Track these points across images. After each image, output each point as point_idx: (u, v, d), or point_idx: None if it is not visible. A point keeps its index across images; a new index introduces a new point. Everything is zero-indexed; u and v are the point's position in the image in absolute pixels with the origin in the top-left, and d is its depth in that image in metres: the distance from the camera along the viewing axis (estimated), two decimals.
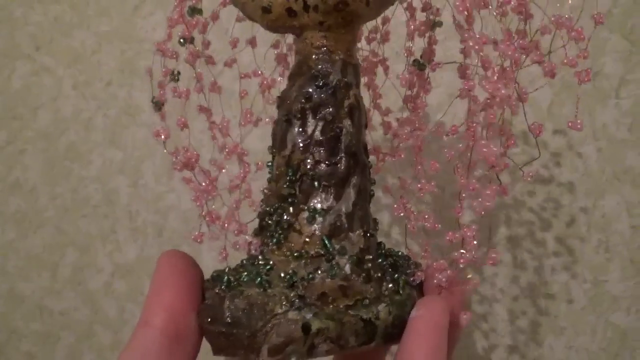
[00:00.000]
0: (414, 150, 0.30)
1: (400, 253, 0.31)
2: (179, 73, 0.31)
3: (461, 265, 0.26)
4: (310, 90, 0.27)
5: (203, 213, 0.32)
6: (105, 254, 0.66)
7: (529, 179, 0.31)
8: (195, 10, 0.32)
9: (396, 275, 0.27)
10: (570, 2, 0.51)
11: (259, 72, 0.36)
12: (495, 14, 0.29)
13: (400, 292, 0.27)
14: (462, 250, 0.26)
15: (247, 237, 0.30)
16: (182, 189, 0.63)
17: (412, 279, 0.28)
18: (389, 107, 0.36)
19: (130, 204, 0.65)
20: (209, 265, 0.55)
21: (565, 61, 0.32)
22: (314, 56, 0.28)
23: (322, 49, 0.28)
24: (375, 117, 0.39)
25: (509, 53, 0.28)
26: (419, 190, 0.29)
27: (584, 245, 0.55)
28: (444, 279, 0.27)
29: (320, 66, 0.28)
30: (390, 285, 0.27)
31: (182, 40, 0.31)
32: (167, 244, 0.64)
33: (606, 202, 0.54)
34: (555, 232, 0.55)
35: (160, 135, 0.33)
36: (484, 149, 0.27)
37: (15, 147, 0.67)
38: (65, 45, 0.64)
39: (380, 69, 0.38)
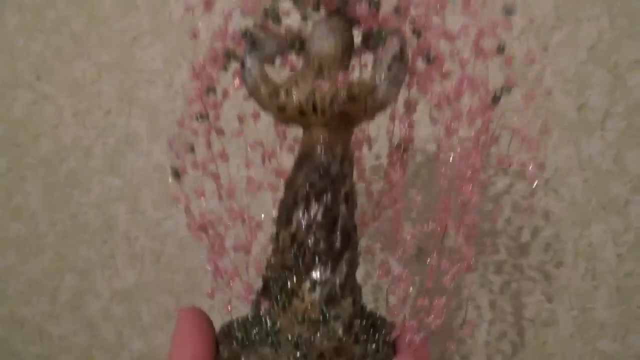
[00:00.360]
0: (393, 219, 0.34)
1: (377, 314, 0.35)
2: (193, 145, 0.36)
3: (432, 328, 0.31)
4: (314, 179, 0.32)
5: (213, 270, 0.36)
6: (103, 279, 0.67)
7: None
8: (211, 90, 0.36)
9: (377, 336, 0.32)
10: (556, 37, 0.53)
11: (262, 142, 0.39)
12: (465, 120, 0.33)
13: (380, 350, 0.31)
14: (432, 316, 0.31)
15: (253, 297, 0.34)
16: (179, 216, 0.64)
17: (387, 338, 0.32)
18: (372, 178, 0.39)
19: (128, 230, 0.66)
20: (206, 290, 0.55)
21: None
22: (317, 149, 0.32)
23: (325, 143, 0.32)
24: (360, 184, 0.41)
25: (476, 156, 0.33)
26: (398, 258, 0.33)
27: (571, 273, 0.56)
28: (417, 340, 0.31)
29: (322, 158, 0.32)
30: (373, 345, 0.31)
31: (199, 117, 0.36)
32: (165, 269, 0.65)
33: (592, 231, 0.55)
34: (542, 260, 0.56)
35: (180, 201, 0.36)
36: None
37: (16, 174, 0.68)
38: (65, 75, 0.66)
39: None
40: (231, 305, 0.36)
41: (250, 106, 0.38)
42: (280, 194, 0.35)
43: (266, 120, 0.38)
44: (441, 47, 0.33)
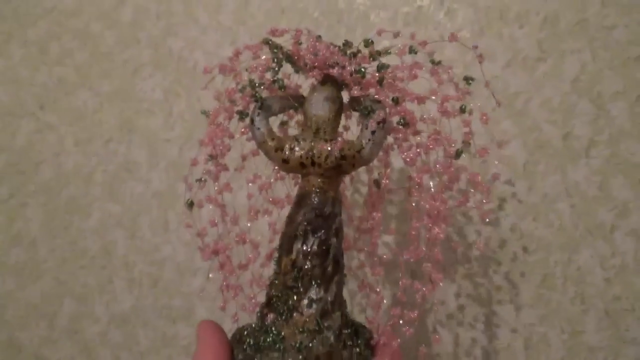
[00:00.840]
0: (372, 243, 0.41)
1: (358, 322, 0.41)
2: (206, 180, 0.42)
3: (407, 335, 0.38)
4: (311, 217, 0.39)
5: (222, 286, 0.43)
6: (102, 303, 0.68)
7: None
8: (214, 157, 0.42)
9: (359, 341, 0.38)
10: (541, 69, 0.55)
11: (260, 176, 0.46)
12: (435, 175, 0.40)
13: (362, 353, 0.38)
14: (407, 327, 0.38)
15: (257, 309, 0.40)
16: (177, 242, 0.66)
17: (370, 341, 0.40)
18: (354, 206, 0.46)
19: (127, 255, 0.67)
20: (203, 315, 0.58)
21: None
22: (313, 193, 0.39)
23: (320, 188, 0.39)
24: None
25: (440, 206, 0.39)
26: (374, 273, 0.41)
27: (561, 297, 0.57)
28: (395, 344, 0.38)
29: (317, 201, 0.39)
30: (357, 349, 0.38)
31: (210, 157, 0.42)
32: (162, 294, 0.66)
33: (580, 255, 0.57)
34: (532, 284, 0.58)
35: (194, 229, 0.43)
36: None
37: (17, 201, 0.70)
38: (68, 105, 0.68)
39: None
40: (237, 316, 0.43)
41: (249, 146, 0.45)
42: (273, 218, 0.44)
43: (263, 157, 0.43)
44: (414, 109, 0.39)
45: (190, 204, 0.42)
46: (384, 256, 0.41)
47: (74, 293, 0.69)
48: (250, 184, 0.46)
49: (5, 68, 0.70)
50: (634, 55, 0.55)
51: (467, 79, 0.40)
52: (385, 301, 0.41)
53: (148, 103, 0.66)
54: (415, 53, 0.40)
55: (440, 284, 0.38)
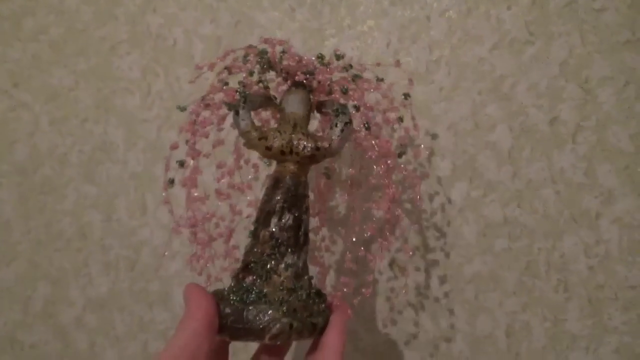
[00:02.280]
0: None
1: (318, 287, 0.48)
2: (184, 162, 0.47)
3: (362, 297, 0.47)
4: (286, 197, 0.45)
5: (200, 258, 0.49)
6: (77, 287, 0.66)
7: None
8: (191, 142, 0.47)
9: (320, 300, 0.46)
10: (529, 53, 0.54)
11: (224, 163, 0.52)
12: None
13: (324, 310, 0.45)
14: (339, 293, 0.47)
15: (234, 273, 0.46)
16: (155, 225, 0.64)
17: (330, 301, 0.47)
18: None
19: (103, 238, 0.66)
20: (180, 300, 0.57)
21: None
22: (288, 177, 0.46)
23: (294, 173, 0.46)
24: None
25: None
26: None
27: (544, 285, 0.56)
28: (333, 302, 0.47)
29: (292, 183, 0.46)
30: (322, 305, 0.45)
31: (187, 142, 0.47)
32: (139, 278, 0.65)
33: (564, 243, 0.56)
34: (515, 271, 0.57)
35: (170, 205, 0.49)
36: None
37: None
38: (42, 83, 0.66)
39: None
40: (211, 282, 0.49)
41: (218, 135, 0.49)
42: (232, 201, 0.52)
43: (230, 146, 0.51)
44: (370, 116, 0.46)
45: (171, 182, 0.47)
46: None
47: (48, 276, 0.67)
48: (218, 169, 0.51)
49: None
50: (623, 39, 0.54)
51: (405, 95, 0.48)
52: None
53: (125, 82, 0.64)
54: (351, 67, 0.48)
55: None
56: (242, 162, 0.53)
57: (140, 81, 0.64)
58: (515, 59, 0.56)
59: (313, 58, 0.47)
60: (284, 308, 0.42)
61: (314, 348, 0.44)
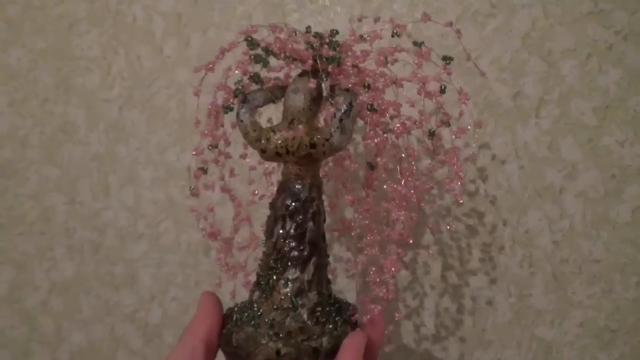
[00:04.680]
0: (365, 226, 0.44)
1: (344, 300, 0.44)
2: (207, 169, 0.45)
3: (376, 312, 0.41)
4: (288, 202, 0.41)
5: (222, 265, 0.48)
6: (42, 271, 0.65)
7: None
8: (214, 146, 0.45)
9: (337, 318, 0.41)
10: (492, 25, 0.53)
11: (262, 162, 0.49)
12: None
13: (337, 329, 0.41)
14: (378, 306, 0.41)
15: (251, 286, 0.43)
16: (118, 207, 0.63)
17: (351, 318, 0.42)
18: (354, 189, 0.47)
19: (67, 221, 0.64)
20: (146, 282, 0.56)
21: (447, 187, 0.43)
22: (291, 179, 0.42)
23: (297, 175, 0.42)
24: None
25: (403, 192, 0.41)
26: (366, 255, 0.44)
27: (509, 260, 0.56)
28: (365, 319, 0.42)
29: (295, 187, 0.42)
30: (331, 325, 0.41)
31: (210, 147, 0.45)
32: (104, 261, 0.64)
33: (529, 218, 0.56)
34: (480, 246, 0.57)
35: (198, 213, 0.48)
36: None
37: None
38: (0, 62, 0.64)
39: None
40: (235, 293, 0.48)
41: None
42: None
43: None
44: (394, 93, 0.41)
45: (194, 192, 0.46)
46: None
47: (12, 261, 0.66)
48: (251, 170, 0.50)
49: None
50: (586, 10, 0.53)
51: (446, 59, 0.41)
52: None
53: (85, 61, 0.63)
54: (399, 36, 0.42)
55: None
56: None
57: (100, 60, 0.62)
58: (478, 32, 0.55)
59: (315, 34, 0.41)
60: (273, 332, 0.39)
61: None
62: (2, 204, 0.66)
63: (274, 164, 0.49)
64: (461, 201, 0.53)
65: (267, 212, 0.43)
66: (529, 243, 0.56)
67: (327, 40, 0.41)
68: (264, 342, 0.39)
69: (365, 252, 0.43)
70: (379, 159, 0.42)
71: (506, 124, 0.55)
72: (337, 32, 0.42)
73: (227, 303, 0.44)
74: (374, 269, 0.42)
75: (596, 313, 0.55)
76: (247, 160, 0.49)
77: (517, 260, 0.56)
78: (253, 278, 0.44)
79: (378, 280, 0.42)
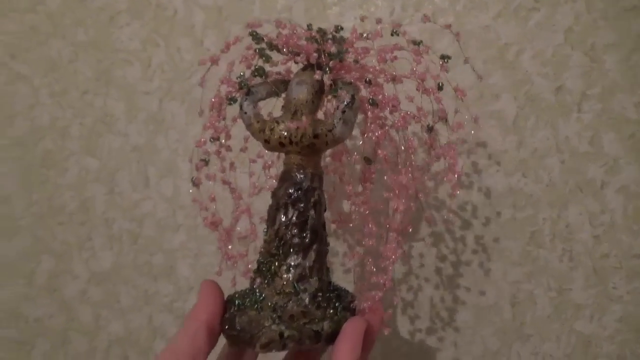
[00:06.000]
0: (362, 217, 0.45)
1: (343, 288, 0.45)
2: (208, 161, 0.46)
3: (377, 299, 0.42)
4: (291, 191, 0.42)
5: (223, 255, 0.48)
6: (81, 261, 0.66)
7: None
8: (216, 139, 0.46)
9: (337, 304, 0.42)
10: (534, 20, 0.53)
11: (262, 155, 0.50)
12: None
13: (338, 314, 0.42)
14: (379, 293, 0.42)
15: (251, 274, 0.44)
16: (157, 197, 0.64)
17: (351, 304, 0.43)
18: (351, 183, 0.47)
19: (106, 211, 0.65)
20: (184, 272, 0.57)
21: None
22: (294, 169, 0.43)
23: (299, 165, 0.42)
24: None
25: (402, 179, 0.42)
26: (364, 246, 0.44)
27: (549, 255, 0.56)
28: (366, 306, 0.42)
29: (297, 177, 0.42)
30: (332, 310, 0.42)
31: (212, 139, 0.45)
32: (143, 251, 0.65)
33: (569, 212, 0.56)
34: (520, 241, 0.57)
35: (197, 202, 0.48)
36: None
37: None
38: (41, 54, 0.65)
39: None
40: (235, 281, 0.48)
41: None
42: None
43: None
44: (393, 89, 0.42)
45: (195, 183, 0.46)
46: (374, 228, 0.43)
47: (52, 250, 0.67)
48: (252, 163, 0.50)
49: None
50: (629, 5, 0.53)
51: (444, 57, 0.42)
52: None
53: (125, 53, 0.63)
54: (398, 35, 0.43)
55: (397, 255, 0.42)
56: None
57: (141, 52, 0.63)
58: (521, 26, 0.55)
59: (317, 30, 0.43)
60: (276, 315, 0.40)
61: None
62: (42, 194, 0.67)
63: (274, 158, 0.51)
64: (457, 193, 0.53)
65: (266, 205, 0.44)
66: (570, 237, 0.56)
67: (330, 36, 0.43)
68: (267, 324, 0.39)
69: (364, 242, 0.44)
70: (379, 152, 0.44)
71: (547, 118, 0.55)
72: (342, 29, 0.44)
73: (228, 291, 0.44)
74: (370, 259, 0.45)
75: (636, 308, 0.55)
76: (247, 153, 0.50)
77: (557, 255, 0.56)
78: (253, 267, 0.45)
79: (374, 269, 0.43)
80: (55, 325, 0.68)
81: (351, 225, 0.47)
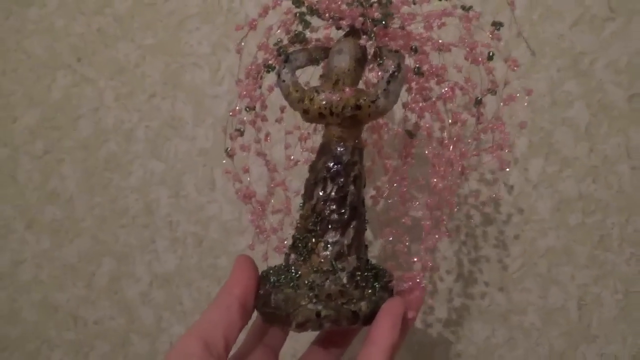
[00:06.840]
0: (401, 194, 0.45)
1: (380, 267, 0.44)
2: (244, 130, 0.44)
3: (417, 280, 0.42)
4: (330, 165, 0.41)
5: (256, 229, 0.46)
6: (143, 263, 0.67)
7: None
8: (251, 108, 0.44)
9: (375, 284, 0.41)
10: (609, 29, 0.54)
11: (299, 127, 0.49)
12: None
13: (375, 295, 0.40)
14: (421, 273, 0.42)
15: (285, 250, 0.43)
16: (223, 200, 0.64)
17: (389, 284, 0.42)
18: (390, 154, 0.48)
19: (170, 214, 0.66)
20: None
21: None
22: (334, 142, 0.41)
23: (339, 137, 0.41)
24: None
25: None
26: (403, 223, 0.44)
27: (616, 258, 0.58)
28: (406, 286, 0.42)
29: (337, 150, 0.41)
30: (370, 290, 0.40)
31: (247, 108, 0.43)
32: (207, 254, 0.65)
33: (638, 218, 0.57)
34: (588, 245, 0.58)
35: (230, 173, 0.45)
36: None
37: (53, 157, 0.67)
38: (107, 57, 0.65)
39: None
40: (267, 255, 0.46)
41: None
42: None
43: None
44: (439, 58, 0.41)
45: (229, 154, 0.44)
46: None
47: (113, 252, 0.67)
48: (287, 135, 0.49)
49: (40, 17, 0.66)
50: None
51: (496, 24, 0.40)
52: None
53: (194, 57, 0.64)
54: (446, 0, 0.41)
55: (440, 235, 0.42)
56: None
57: (210, 56, 0.63)
58: (596, 35, 0.56)
59: None
60: (313, 293, 0.39)
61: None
62: (105, 197, 0.67)
63: (310, 129, 0.49)
64: (507, 169, 0.54)
65: (302, 178, 0.43)
66: (638, 242, 0.57)
67: (375, 0, 0.40)
68: (303, 303, 0.38)
69: (403, 220, 0.44)
70: (422, 124, 0.42)
71: (620, 126, 0.57)
72: None
73: (260, 266, 0.44)
74: (407, 238, 0.44)
75: None
76: (283, 124, 0.48)
77: (624, 258, 0.58)
78: (287, 242, 0.44)
79: (406, 250, 0.44)
80: (115, 327, 0.68)
81: (390, 201, 0.47)
